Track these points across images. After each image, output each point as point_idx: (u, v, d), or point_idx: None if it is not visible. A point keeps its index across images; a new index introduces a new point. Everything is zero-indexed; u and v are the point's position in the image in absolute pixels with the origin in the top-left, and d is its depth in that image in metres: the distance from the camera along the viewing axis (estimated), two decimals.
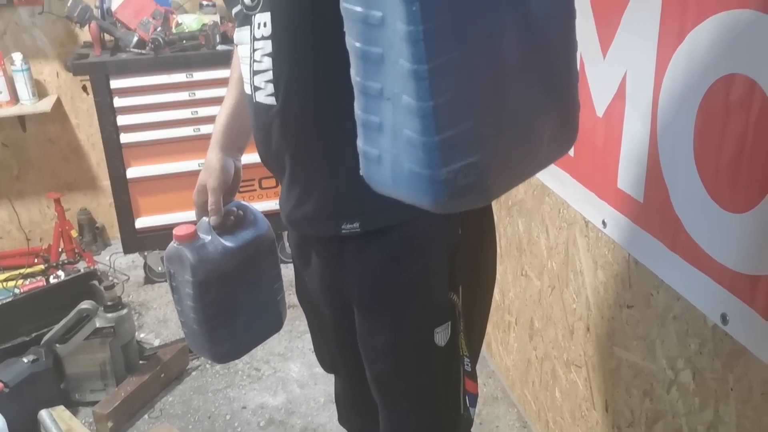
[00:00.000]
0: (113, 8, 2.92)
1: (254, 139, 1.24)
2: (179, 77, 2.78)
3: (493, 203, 2.19)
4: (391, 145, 0.78)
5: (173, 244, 1.29)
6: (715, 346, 1.17)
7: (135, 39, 2.82)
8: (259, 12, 1.08)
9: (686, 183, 1.18)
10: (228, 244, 1.31)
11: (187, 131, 2.89)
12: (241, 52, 1.15)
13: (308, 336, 1.60)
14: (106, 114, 2.78)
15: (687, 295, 1.22)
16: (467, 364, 1.24)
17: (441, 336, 1.20)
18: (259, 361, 2.53)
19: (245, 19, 1.11)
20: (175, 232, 1.28)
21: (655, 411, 1.38)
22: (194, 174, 3.09)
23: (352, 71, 0.78)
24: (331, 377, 1.62)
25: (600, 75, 1.43)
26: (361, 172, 0.84)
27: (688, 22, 1.13)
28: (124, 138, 2.83)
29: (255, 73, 1.12)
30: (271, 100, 1.11)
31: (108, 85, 2.74)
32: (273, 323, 1.47)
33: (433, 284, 1.19)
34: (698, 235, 1.17)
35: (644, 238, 1.34)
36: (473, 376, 1.25)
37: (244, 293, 1.37)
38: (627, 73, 1.34)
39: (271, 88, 1.10)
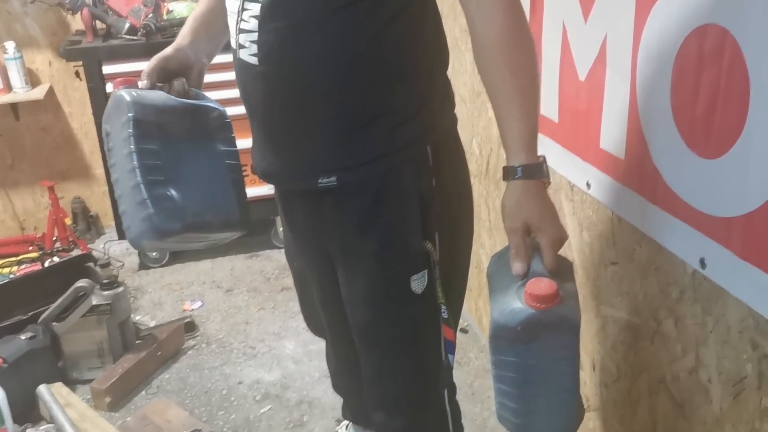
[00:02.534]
0: None
1: (241, 96, 1.28)
2: None
3: (481, 177, 2.23)
4: None
5: (113, 93, 1.26)
6: (695, 291, 1.22)
7: (126, 26, 2.86)
8: None
9: (664, 135, 1.23)
10: (169, 96, 1.28)
11: None
12: (229, 6, 1.20)
13: (301, 315, 1.64)
14: (99, 99, 2.81)
15: (667, 245, 1.27)
16: (444, 311, 1.28)
17: (417, 284, 1.25)
18: (255, 340, 2.57)
19: None
20: (115, 82, 1.28)
21: (640, 363, 1.43)
22: None
23: None
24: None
25: (581, 39, 1.47)
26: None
27: None
28: None
29: (241, 31, 1.17)
30: (254, 60, 1.16)
31: (100, 70, 2.78)
32: (228, 208, 1.33)
33: (408, 234, 1.24)
34: (676, 184, 1.22)
35: (626, 195, 1.38)
36: (450, 324, 1.30)
37: (190, 158, 1.27)
38: (607, 35, 1.38)
39: (254, 48, 1.15)
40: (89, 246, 3.31)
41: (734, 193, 1.08)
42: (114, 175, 1.25)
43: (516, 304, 1.04)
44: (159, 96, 1.26)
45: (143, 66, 2.76)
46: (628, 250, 1.42)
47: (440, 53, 1.28)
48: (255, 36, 1.15)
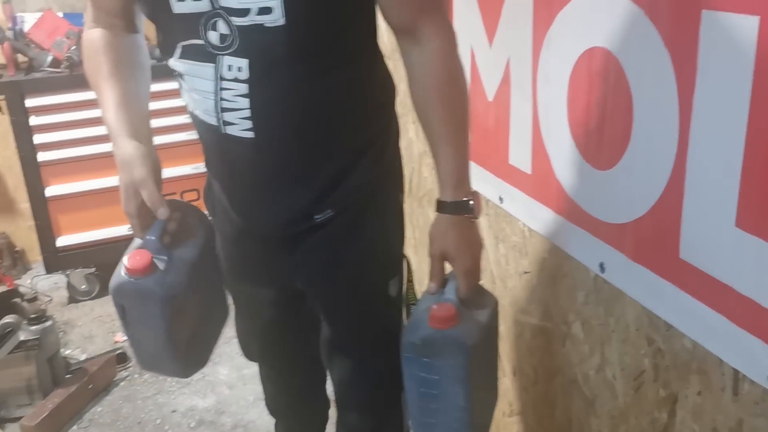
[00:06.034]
0: (26, 29, 2.94)
1: (215, 161, 1.28)
2: (95, 94, 2.80)
3: (406, 196, 2.31)
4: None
5: (127, 278, 1.15)
6: (598, 294, 1.31)
7: (49, 58, 2.85)
8: (231, 55, 1.11)
9: (564, 149, 1.32)
10: (186, 256, 1.20)
11: (106, 147, 2.84)
12: (198, 85, 1.16)
13: (236, 340, 1.64)
14: (23, 133, 2.79)
15: (572, 252, 1.36)
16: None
17: (393, 287, 1.37)
18: None
19: (206, 56, 1.13)
20: (128, 265, 1.14)
21: (554, 365, 1.51)
22: (114, 190, 3.10)
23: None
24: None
25: (487, 63, 1.57)
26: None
27: (555, 6, 1.28)
28: (42, 156, 2.84)
29: (224, 110, 1.15)
30: (248, 134, 1.16)
31: (23, 103, 2.76)
32: (223, 311, 1.41)
33: (391, 241, 1.37)
34: (576, 194, 1.31)
35: (534, 207, 1.47)
36: None
37: (202, 295, 1.28)
38: (510, 58, 1.48)
39: (247, 123, 1.15)
40: (16, 282, 3.23)
41: (625, 201, 1.17)
42: (134, 338, 1.25)
43: (421, 321, 1.16)
44: (179, 270, 1.18)
45: (67, 98, 2.80)
46: (539, 259, 1.51)
47: (392, 81, 1.37)
48: (248, 113, 1.14)
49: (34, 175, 2.86)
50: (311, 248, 1.32)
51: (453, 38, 1.18)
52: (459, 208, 1.18)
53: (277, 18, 1.06)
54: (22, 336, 2.22)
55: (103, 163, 2.92)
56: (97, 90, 1.25)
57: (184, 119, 2.81)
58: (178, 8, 1.10)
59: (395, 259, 1.39)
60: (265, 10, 1.05)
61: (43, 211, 2.91)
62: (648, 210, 1.12)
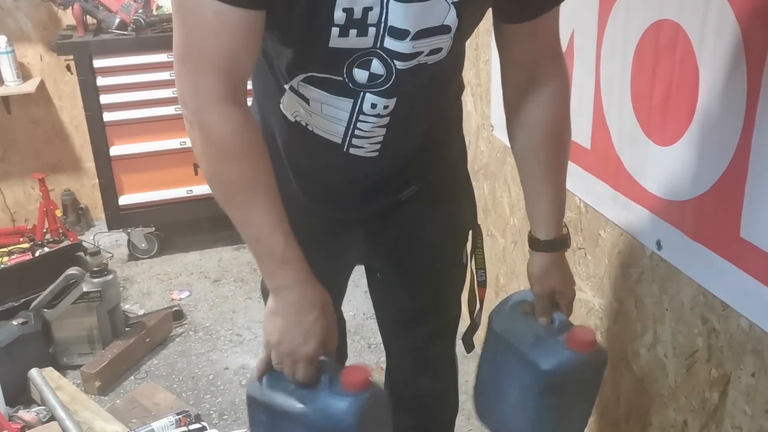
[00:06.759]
0: None
1: (320, 176, 1.25)
2: (160, 57, 2.86)
3: None
4: None
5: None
6: (652, 272, 1.29)
7: (117, 21, 2.92)
8: (376, 94, 1.05)
9: (625, 124, 1.30)
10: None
11: (169, 110, 2.97)
12: (329, 112, 1.09)
13: None
14: (90, 93, 2.87)
15: (628, 229, 1.35)
16: (481, 275, 1.42)
17: (465, 255, 1.44)
18: (241, 328, 2.63)
19: (345, 92, 1.05)
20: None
21: (604, 342, 1.50)
22: (175, 152, 3.19)
23: None
24: None
25: None
26: None
27: None
28: (108, 116, 2.93)
29: (355, 136, 1.13)
30: (373, 154, 1.16)
31: (91, 64, 2.84)
32: None
33: (466, 212, 1.43)
34: (636, 170, 1.30)
35: (592, 182, 1.46)
36: (485, 285, 1.43)
37: None
38: (575, 31, 1.46)
39: (376, 147, 1.15)
40: (79, 237, 3.36)
41: (686, 178, 1.16)
42: None
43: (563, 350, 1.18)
44: None
45: (133, 60, 2.87)
46: (593, 236, 1.49)
47: None
48: (380, 139, 1.14)
49: (99, 134, 2.95)
50: (394, 222, 1.35)
51: (568, 82, 1.19)
52: (560, 244, 1.20)
53: (442, 55, 1.03)
54: (85, 287, 2.31)
55: (165, 125, 3.00)
56: (246, 204, 1.00)
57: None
58: (335, 42, 0.96)
59: (467, 228, 1.43)
60: (434, 51, 1.01)
61: (107, 170, 3.00)
62: (709, 187, 1.10)
